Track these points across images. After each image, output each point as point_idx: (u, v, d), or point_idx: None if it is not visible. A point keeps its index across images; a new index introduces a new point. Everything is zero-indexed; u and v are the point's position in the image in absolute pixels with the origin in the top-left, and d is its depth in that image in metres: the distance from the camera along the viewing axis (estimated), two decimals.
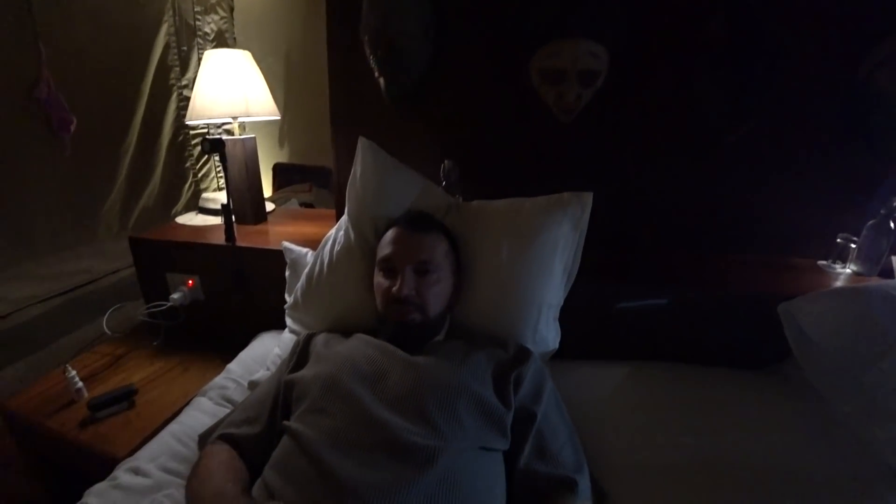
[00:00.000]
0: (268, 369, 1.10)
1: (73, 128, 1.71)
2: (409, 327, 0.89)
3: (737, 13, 1.16)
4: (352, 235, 1.07)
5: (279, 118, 1.59)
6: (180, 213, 2.20)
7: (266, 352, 1.19)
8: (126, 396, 1.11)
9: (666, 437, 0.93)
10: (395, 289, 0.88)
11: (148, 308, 1.35)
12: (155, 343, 1.36)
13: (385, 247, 0.94)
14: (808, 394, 1.00)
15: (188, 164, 2.26)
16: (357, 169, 1.08)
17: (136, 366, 1.29)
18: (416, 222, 0.97)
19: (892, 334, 0.91)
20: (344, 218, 1.12)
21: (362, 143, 1.08)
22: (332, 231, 1.15)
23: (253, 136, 1.49)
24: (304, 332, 1.01)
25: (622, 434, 0.95)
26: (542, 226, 1.02)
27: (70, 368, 1.12)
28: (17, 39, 1.51)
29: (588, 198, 1.05)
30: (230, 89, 1.41)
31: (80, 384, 1.12)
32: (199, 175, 2.31)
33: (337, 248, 1.08)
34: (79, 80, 1.72)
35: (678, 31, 1.19)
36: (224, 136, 1.56)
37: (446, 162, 1.27)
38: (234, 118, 1.47)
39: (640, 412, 0.99)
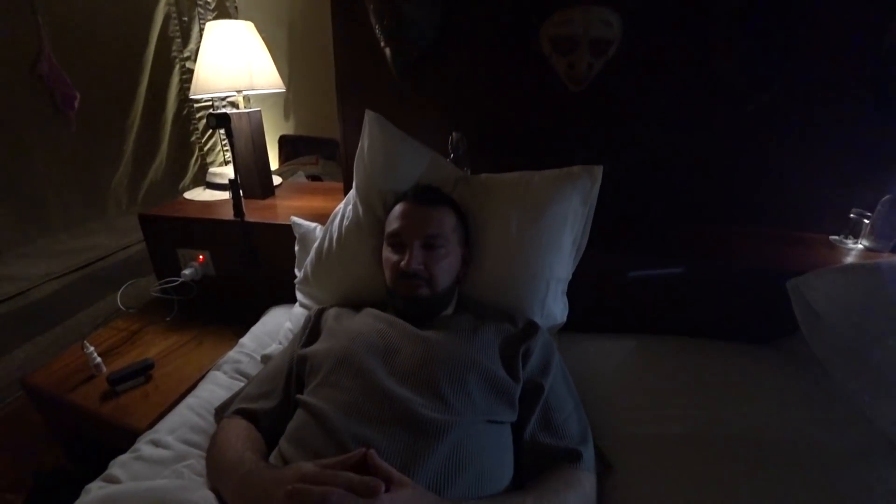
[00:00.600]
0: (280, 343, 1.12)
1: (77, 103, 1.70)
2: (418, 301, 0.89)
3: None
4: (360, 210, 1.06)
5: (284, 90, 1.57)
6: (188, 187, 2.22)
7: (277, 326, 1.21)
8: (143, 370, 1.14)
9: (671, 410, 0.94)
10: (403, 263, 0.88)
11: (160, 284, 1.36)
12: (168, 318, 1.39)
13: (393, 221, 0.94)
14: (814, 368, 1.00)
15: (193, 138, 2.25)
16: (364, 143, 1.07)
17: (151, 340, 1.31)
18: (424, 196, 0.97)
19: None
20: (352, 192, 1.12)
21: (369, 117, 1.07)
22: (341, 206, 1.15)
23: (258, 109, 1.47)
24: (314, 307, 1.03)
25: (628, 407, 0.96)
26: (551, 199, 1.01)
27: (88, 345, 1.15)
28: (15, 14, 1.48)
29: (598, 171, 1.03)
30: (233, 62, 1.38)
31: (99, 359, 1.15)
32: (205, 148, 2.31)
33: (346, 222, 1.09)
34: (80, 55, 1.71)
35: None
36: (229, 110, 1.54)
37: (454, 134, 1.25)
38: (239, 92, 1.45)
39: (646, 385, 1.00)
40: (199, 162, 2.29)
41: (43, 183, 1.67)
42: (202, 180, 1.71)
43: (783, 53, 1.15)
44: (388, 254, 0.94)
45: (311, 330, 0.94)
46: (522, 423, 0.80)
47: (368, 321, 0.90)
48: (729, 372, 1.02)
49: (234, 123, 1.39)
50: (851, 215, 1.25)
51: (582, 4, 1.14)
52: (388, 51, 1.27)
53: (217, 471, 0.74)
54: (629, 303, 1.20)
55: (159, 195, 2.08)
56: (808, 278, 1.04)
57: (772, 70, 1.18)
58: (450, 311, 0.96)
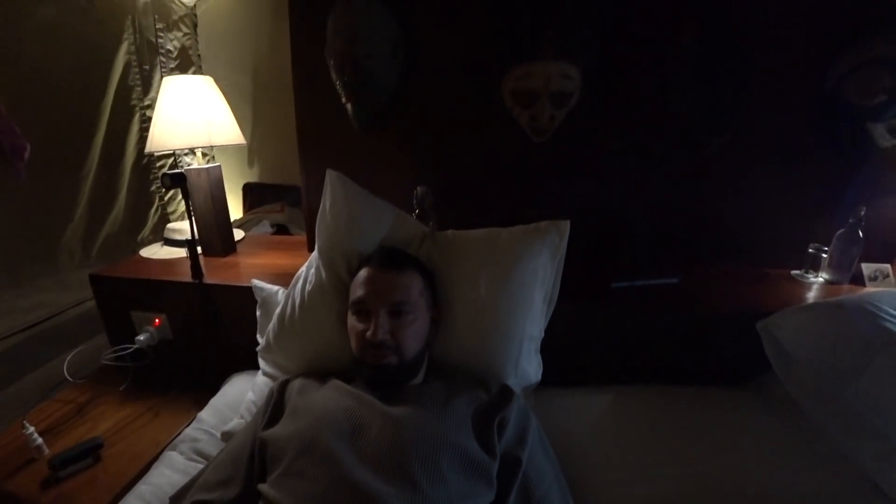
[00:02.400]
0: (242, 418, 1.04)
1: (27, 155, 1.62)
2: (386, 371, 0.85)
3: (708, 29, 1.16)
4: (323, 274, 1.02)
5: (245, 143, 1.53)
6: (147, 238, 2.13)
7: (239, 397, 1.14)
8: (91, 451, 1.05)
9: (651, 468, 0.92)
10: (369, 333, 0.84)
11: (113, 351, 1.28)
12: (122, 387, 1.29)
13: (357, 288, 0.90)
14: (791, 408, 1.00)
15: (154, 188, 2.17)
16: (326, 203, 1.04)
17: (101, 413, 1.21)
18: (388, 260, 0.93)
19: (871, 350, 0.91)
20: (314, 255, 1.08)
21: (330, 176, 1.04)
22: (303, 269, 1.10)
23: (218, 164, 1.43)
24: (278, 379, 0.97)
25: (608, 466, 0.94)
26: (520, 256, 1.00)
27: (27, 425, 1.05)
28: None
29: (565, 226, 1.03)
30: (191, 118, 1.34)
31: (40, 440, 1.05)
32: (166, 198, 2.23)
33: (308, 287, 1.04)
34: (32, 103, 1.64)
35: (651, 47, 1.19)
36: (189, 159, 1.48)
37: (419, 188, 1.24)
38: (196, 149, 1.41)
39: (625, 442, 0.98)
40: (159, 212, 2.21)
41: None
42: (163, 231, 1.64)
43: (735, 98, 1.20)
44: (353, 322, 0.89)
45: (274, 406, 0.88)
46: (502, 498, 0.76)
47: (335, 397, 0.84)
48: (708, 421, 1.01)
49: (192, 180, 1.34)
50: (810, 250, 1.29)
51: (541, 59, 1.16)
52: (349, 106, 1.26)
53: None
54: (603, 353, 1.19)
55: (116, 247, 1.99)
56: (775, 318, 1.05)
57: (726, 115, 1.22)
58: (420, 378, 0.92)
